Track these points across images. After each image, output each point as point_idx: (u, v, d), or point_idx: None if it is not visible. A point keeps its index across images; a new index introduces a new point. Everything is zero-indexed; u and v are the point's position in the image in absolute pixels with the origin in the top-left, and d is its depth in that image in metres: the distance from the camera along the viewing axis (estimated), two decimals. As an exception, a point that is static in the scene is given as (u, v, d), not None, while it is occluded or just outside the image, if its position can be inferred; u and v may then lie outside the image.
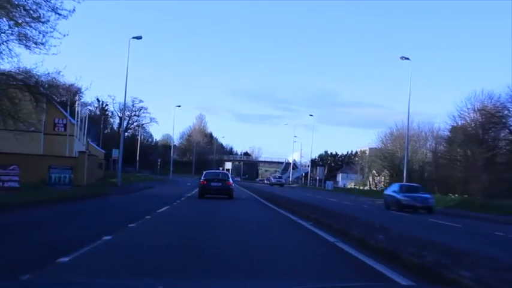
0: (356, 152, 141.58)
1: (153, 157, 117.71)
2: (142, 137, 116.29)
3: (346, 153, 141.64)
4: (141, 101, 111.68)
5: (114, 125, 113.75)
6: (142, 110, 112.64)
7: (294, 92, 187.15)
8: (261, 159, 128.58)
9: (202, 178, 30.08)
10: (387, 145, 64.88)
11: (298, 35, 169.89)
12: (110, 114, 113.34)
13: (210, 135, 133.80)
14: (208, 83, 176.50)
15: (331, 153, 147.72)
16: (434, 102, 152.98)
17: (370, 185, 72.76)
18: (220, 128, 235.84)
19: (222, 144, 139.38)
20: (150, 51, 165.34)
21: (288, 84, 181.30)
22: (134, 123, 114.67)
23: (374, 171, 78.26)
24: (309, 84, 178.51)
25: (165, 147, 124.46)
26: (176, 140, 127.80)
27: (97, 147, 65.80)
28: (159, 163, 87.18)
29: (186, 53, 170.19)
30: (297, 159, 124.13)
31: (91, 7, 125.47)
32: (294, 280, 6.36)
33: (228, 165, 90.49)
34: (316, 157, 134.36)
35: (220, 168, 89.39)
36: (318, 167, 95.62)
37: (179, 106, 73.24)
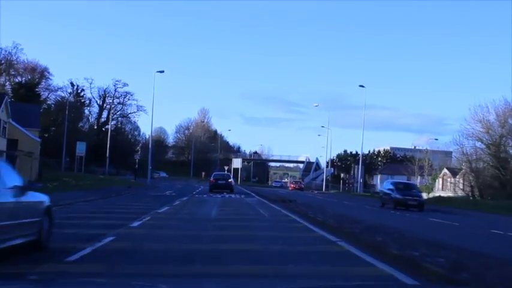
0: (379, 151, 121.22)
1: (139, 155, 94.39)
2: (127, 130, 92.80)
3: (367, 152, 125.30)
4: (125, 85, 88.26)
5: (91, 117, 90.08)
6: (127, 97, 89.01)
7: (305, 95, 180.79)
8: (275, 157, 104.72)
9: (211, 178, 38.87)
10: (490, 128, 40.49)
11: (310, 38, 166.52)
12: (87, 102, 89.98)
13: (215, 132, 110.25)
14: (218, 86, 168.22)
15: (350, 152, 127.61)
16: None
17: (467, 191, 47.64)
18: (228, 128, 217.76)
19: (228, 143, 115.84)
20: (156, 52, 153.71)
21: (299, 87, 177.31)
22: (118, 113, 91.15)
23: (446, 171, 54.15)
24: (320, 87, 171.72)
25: (157, 143, 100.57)
26: (171, 136, 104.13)
27: (32, 135, 42.07)
28: (137, 161, 63.19)
29: (195, 56, 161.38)
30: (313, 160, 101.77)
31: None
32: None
33: (237, 162, 66.11)
34: (334, 157, 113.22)
35: (226, 168, 66.46)
36: (356, 166, 71.94)
37: (162, 72, 49.78)
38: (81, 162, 62.76)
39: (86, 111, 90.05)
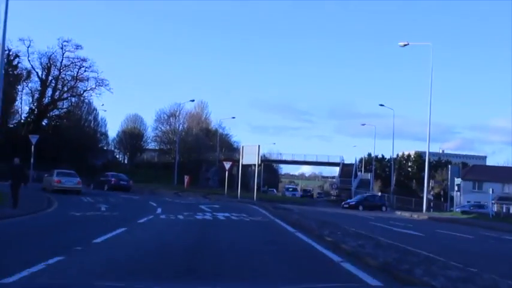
0: (408, 155, 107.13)
1: (99, 155, 65.19)
2: (82, 115, 63.52)
3: (396, 156, 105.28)
4: (78, 47, 59.19)
5: (31, 97, 61.02)
6: (82, 67, 59.77)
7: (313, 104, 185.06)
8: (297, 158, 75.18)
9: (111, 178, 38.00)
10: None
11: (318, 47, 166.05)
12: (23, 74, 60.88)
13: (215, 131, 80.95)
14: (226, 94, 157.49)
15: (376, 156, 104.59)
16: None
17: None
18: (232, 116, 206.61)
19: (229, 140, 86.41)
20: (162, 58, 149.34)
21: (308, 95, 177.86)
22: (68, 91, 61.77)
23: None
24: (328, 95, 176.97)
25: (131, 135, 71.28)
26: (151, 128, 74.46)
27: None
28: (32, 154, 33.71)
29: (202, 64, 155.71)
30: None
31: None
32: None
33: (250, 155, 34.91)
34: (356, 161, 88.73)
35: (228, 165, 36.72)
36: (449, 166, 43.03)
37: None
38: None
39: (23, 88, 61.09)
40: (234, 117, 70.85)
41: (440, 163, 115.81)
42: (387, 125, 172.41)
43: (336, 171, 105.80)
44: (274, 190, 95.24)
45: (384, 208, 42.59)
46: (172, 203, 24.09)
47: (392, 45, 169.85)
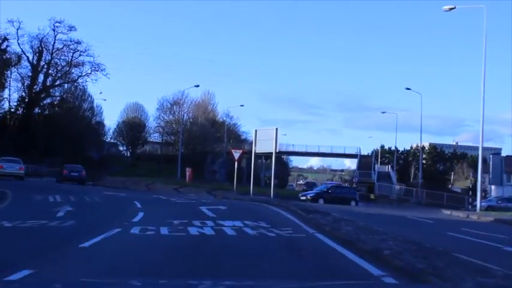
0: (423, 147, 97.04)
1: (99, 147, 60.29)
2: (76, 103, 58.45)
3: (410, 148, 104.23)
4: (71, 29, 54.17)
5: (21, 84, 56.03)
6: (76, 51, 54.67)
7: (322, 97, 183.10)
8: (310, 150, 69.93)
9: (64, 169, 36.43)
10: None
11: (328, 41, 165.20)
12: (13, 58, 55.82)
13: (222, 123, 75.37)
14: (235, 89, 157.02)
15: (389, 148, 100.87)
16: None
17: None
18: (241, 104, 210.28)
19: (237, 132, 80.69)
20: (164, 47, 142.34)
21: (316, 89, 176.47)
22: (61, 77, 56.67)
23: None
24: (336, 89, 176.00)
25: (131, 126, 66.13)
26: (152, 117, 69.17)
27: None
28: None
29: (210, 57, 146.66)
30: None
31: None
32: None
33: (266, 141, 28.97)
34: (369, 153, 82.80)
35: (237, 154, 31.09)
36: (490, 157, 37.82)
37: None
38: None
39: (13, 74, 56.14)
40: (242, 105, 65.29)
41: (456, 155, 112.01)
42: (394, 118, 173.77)
43: (345, 164, 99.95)
44: (293, 185, 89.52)
45: (353, 203, 34.90)
46: (165, 203, 18.64)
47: (398, 38, 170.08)
